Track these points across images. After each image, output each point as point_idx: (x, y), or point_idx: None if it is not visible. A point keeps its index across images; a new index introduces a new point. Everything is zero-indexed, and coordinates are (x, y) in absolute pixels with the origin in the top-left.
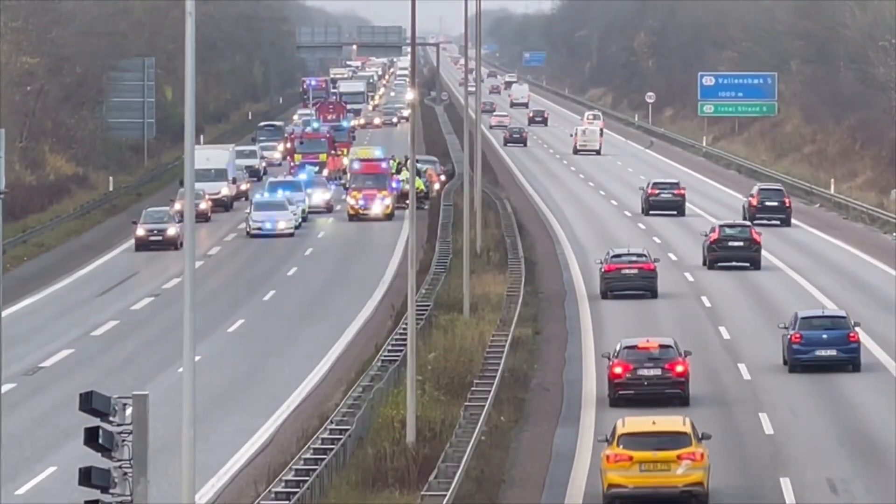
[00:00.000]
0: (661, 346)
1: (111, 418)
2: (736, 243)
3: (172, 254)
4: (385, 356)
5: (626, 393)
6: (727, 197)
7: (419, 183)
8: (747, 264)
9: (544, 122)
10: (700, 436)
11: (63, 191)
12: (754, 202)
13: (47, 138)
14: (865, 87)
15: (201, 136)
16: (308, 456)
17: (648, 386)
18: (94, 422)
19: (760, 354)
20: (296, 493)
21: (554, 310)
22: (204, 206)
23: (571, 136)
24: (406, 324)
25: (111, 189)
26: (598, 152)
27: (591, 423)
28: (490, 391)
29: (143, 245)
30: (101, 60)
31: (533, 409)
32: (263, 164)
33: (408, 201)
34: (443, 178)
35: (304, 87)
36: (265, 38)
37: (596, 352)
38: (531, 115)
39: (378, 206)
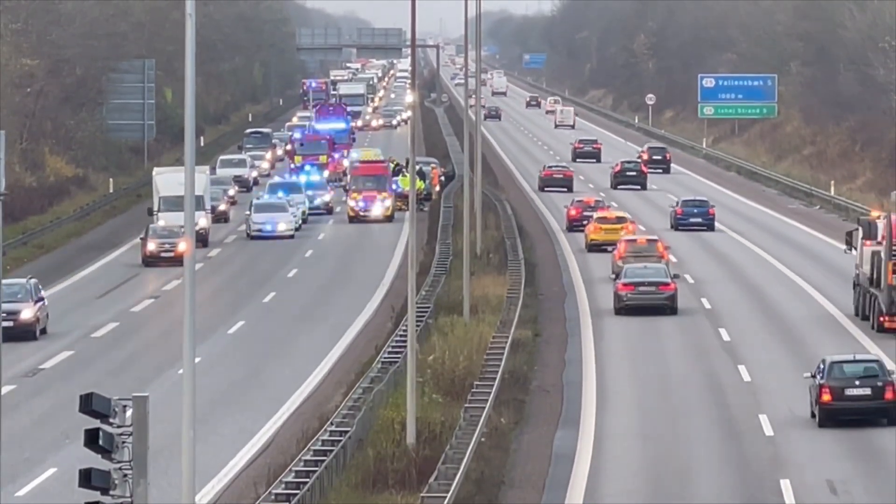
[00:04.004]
0: (595, 200)
1: (111, 420)
2: (631, 173)
3: (31, 346)
4: (385, 358)
5: (577, 225)
6: (727, 199)
7: (420, 183)
8: (638, 186)
9: (537, 105)
10: (629, 218)
11: (63, 192)
12: (645, 156)
13: (47, 140)
14: (865, 89)
15: (201, 138)
16: (308, 457)
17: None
18: (95, 423)
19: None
20: (296, 494)
21: (554, 311)
22: (152, 247)
23: (552, 114)
24: (406, 325)
25: (111, 191)
26: (572, 127)
27: (592, 424)
28: (490, 393)
29: None
30: (101, 62)
31: (533, 411)
32: (254, 174)
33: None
34: (442, 178)
35: (305, 88)
36: (265, 39)
37: (595, 354)
38: (528, 100)
39: (378, 208)
